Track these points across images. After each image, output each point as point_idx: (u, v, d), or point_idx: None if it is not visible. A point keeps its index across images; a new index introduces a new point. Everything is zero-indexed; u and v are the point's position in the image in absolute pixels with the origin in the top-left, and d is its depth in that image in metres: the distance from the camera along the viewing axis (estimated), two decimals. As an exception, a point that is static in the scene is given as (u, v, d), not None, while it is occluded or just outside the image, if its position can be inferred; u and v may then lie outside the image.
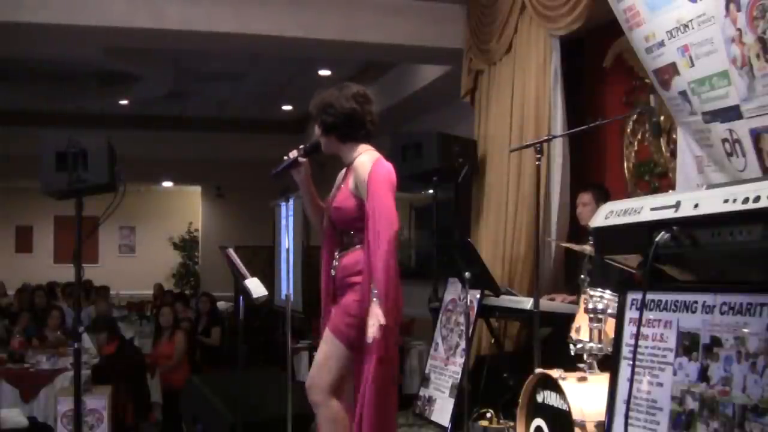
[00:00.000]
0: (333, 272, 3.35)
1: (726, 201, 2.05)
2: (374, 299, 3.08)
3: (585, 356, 3.69)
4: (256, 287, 5.00)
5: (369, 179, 3.19)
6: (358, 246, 3.26)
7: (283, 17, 6.47)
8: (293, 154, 3.39)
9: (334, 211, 3.38)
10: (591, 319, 3.68)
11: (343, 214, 3.32)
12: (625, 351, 2.57)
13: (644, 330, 2.47)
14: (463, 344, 5.09)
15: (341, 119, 3.29)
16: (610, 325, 3.51)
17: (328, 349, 3.29)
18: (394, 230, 3.10)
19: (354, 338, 3.21)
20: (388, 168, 3.28)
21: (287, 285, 4.61)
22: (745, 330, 2.16)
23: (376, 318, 3.06)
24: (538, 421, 3.60)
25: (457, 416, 4.95)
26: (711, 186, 2.34)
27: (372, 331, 3.07)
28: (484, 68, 6.42)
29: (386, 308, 3.05)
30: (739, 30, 3.53)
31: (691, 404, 2.29)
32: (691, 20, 3.79)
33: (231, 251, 5.31)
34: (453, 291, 5.56)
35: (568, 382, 3.44)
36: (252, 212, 13.13)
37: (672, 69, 4.03)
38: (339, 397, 3.29)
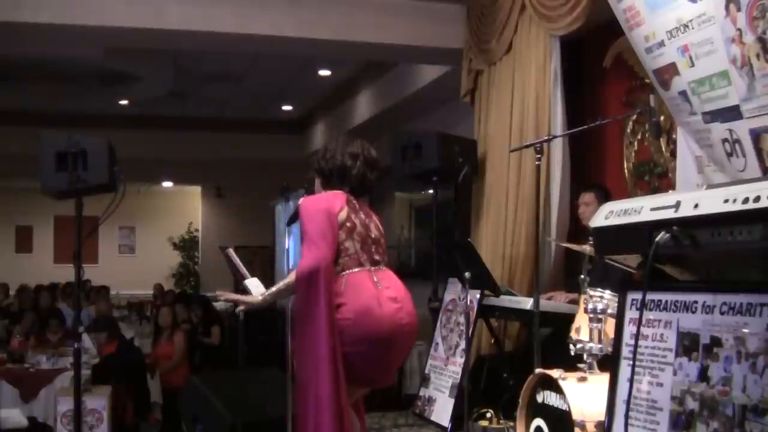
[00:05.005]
0: None
1: (726, 201, 2.05)
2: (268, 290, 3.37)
3: (585, 356, 3.69)
4: (256, 287, 5.00)
5: (300, 217, 3.32)
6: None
7: (282, 17, 6.47)
8: (301, 200, 3.53)
9: None
10: (591, 319, 3.68)
11: None
12: (625, 351, 2.57)
13: (644, 330, 2.47)
14: (463, 344, 5.09)
15: (328, 168, 3.41)
16: (610, 325, 3.51)
17: None
18: (301, 276, 3.18)
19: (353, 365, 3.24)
20: (317, 197, 3.38)
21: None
22: (745, 330, 2.16)
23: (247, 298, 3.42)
24: (538, 421, 3.60)
25: (457, 416, 4.95)
26: (711, 186, 2.34)
27: (230, 296, 3.52)
28: (484, 68, 6.42)
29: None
30: (739, 30, 3.53)
31: (691, 404, 2.28)
32: (691, 20, 3.79)
33: (231, 251, 5.30)
34: (453, 291, 5.56)
35: (568, 382, 3.44)
36: (252, 212, 13.14)
37: (672, 69, 4.03)
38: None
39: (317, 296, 3.13)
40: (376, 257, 3.35)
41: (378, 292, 3.23)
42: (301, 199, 3.40)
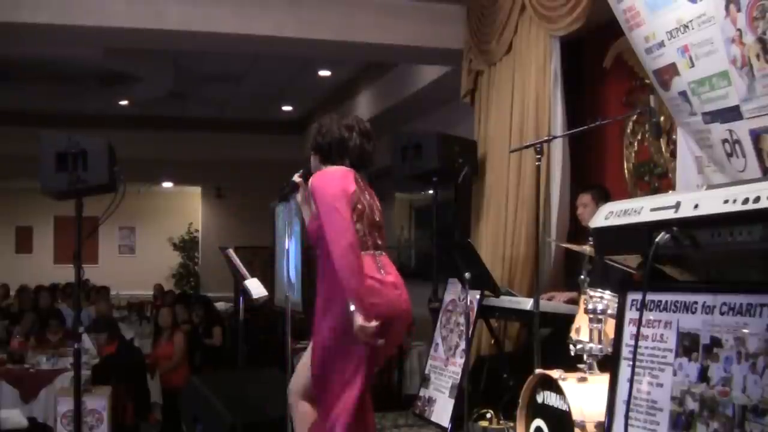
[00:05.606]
0: None
1: (726, 201, 2.05)
2: (352, 309, 3.10)
3: (585, 357, 3.69)
4: (256, 287, 5.02)
5: (313, 197, 3.23)
6: None
7: (283, 17, 6.47)
8: (295, 177, 3.52)
9: (308, 236, 3.46)
10: (591, 320, 3.68)
11: (312, 238, 3.40)
12: (625, 351, 2.57)
13: (644, 330, 2.47)
14: (463, 344, 5.09)
15: (326, 142, 3.37)
16: (610, 326, 3.51)
17: (308, 356, 3.39)
18: (345, 244, 3.09)
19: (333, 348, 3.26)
20: (330, 175, 3.28)
21: (287, 285, 4.60)
22: (745, 330, 2.16)
23: (359, 328, 3.08)
24: (538, 422, 3.60)
25: (457, 416, 4.95)
26: (711, 186, 2.34)
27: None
28: (484, 69, 6.42)
29: (363, 309, 3.07)
30: (739, 30, 3.53)
31: (691, 405, 2.28)
32: (691, 20, 3.79)
33: (231, 251, 5.32)
34: (453, 291, 5.56)
35: (568, 382, 3.44)
36: (252, 212, 13.12)
37: (672, 69, 4.03)
38: (313, 401, 3.38)
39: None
40: (379, 242, 3.33)
41: (382, 277, 3.23)
42: (312, 178, 3.31)
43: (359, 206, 3.22)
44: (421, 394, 5.55)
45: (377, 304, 3.15)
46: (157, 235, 16.38)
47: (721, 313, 2.25)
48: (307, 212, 3.53)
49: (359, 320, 3.05)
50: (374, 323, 3.07)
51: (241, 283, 5.09)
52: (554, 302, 4.82)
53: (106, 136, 4.86)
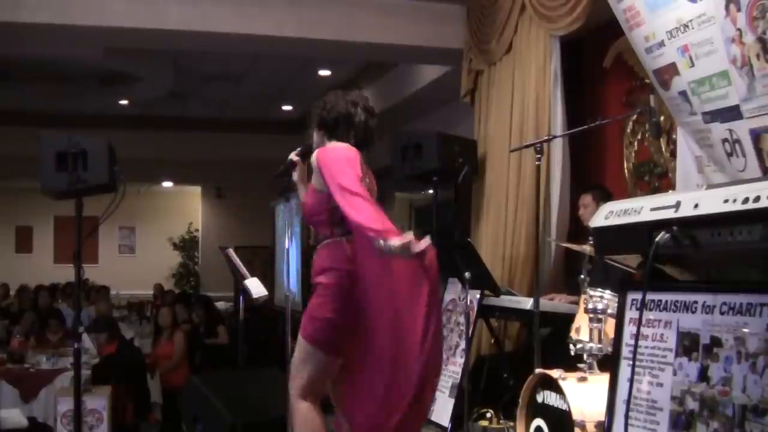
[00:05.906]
0: None
1: (726, 201, 2.05)
2: (380, 245, 2.91)
3: (585, 356, 3.69)
4: (256, 287, 5.02)
5: (318, 166, 3.16)
6: (324, 242, 3.26)
7: (283, 17, 6.47)
8: (292, 155, 3.49)
9: (304, 212, 3.41)
10: (591, 319, 3.68)
11: (307, 212, 3.35)
12: (625, 351, 2.57)
13: (644, 330, 2.47)
14: (463, 344, 5.09)
15: (331, 117, 3.33)
16: (610, 325, 3.51)
17: (298, 353, 3.32)
18: (359, 198, 2.95)
19: (324, 340, 3.22)
20: (340, 150, 3.21)
21: (287, 285, 4.60)
22: (745, 330, 2.16)
23: (398, 247, 2.88)
24: (538, 421, 3.60)
25: (457, 416, 4.95)
26: (711, 186, 2.34)
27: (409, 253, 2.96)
28: (484, 68, 6.42)
29: (394, 233, 2.90)
30: (739, 30, 3.53)
31: (691, 404, 2.29)
32: (691, 20, 3.79)
33: (231, 251, 5.33)
34: (453, 291, 5.56)
35: (568, 382, 3.44)
36: (252, 212, 13.14)
37: (672, 69, 4.03)
38: (314, 399, 3.32)
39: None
40: None
41: None
42: (318, 152, 3.23)
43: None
44: (421, 393, 5.54)
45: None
46: (157, 234, 16.37)
47: (721, 313, 2.25)
48: (302, 190, 3.50)
49: (396, 242, 2.84)
50: (408, 236, 2.89)
51: (241, 283, 5.09)
52: (554, 302, 4.82)
53: (106, 136, 4.86)
